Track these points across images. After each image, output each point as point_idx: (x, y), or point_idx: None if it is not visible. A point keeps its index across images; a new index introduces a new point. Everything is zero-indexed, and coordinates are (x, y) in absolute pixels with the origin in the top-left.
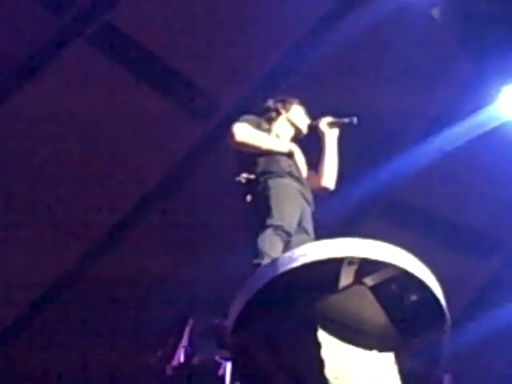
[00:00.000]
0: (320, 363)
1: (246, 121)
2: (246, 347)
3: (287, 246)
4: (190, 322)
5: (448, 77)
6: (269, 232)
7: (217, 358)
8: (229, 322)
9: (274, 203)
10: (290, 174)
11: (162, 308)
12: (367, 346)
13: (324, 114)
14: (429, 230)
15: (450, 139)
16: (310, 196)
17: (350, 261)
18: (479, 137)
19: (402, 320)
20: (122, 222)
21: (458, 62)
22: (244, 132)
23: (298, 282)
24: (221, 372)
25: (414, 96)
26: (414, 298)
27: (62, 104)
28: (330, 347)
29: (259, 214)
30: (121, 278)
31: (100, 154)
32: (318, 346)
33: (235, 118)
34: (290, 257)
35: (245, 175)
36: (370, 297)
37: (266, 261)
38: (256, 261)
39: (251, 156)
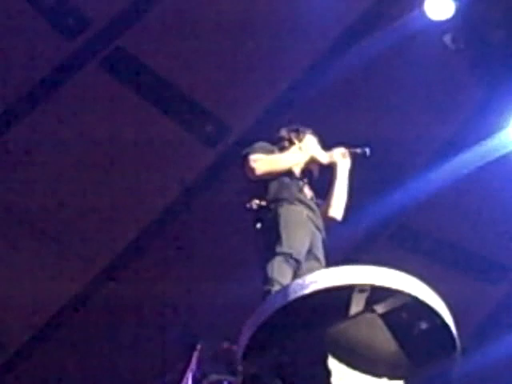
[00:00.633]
0: None
1: (260, 149)
2: (256, 374)
3: (297, 274)
4: (199, 346)
5: (459, 103)
6: (278, 259)
7: (225, 383)
8: (239, 348)
9: (283, 230)
10: (300, 201)
11: (171, 332)
12: (377, 373)
13: (334, 142)
14: (438, 256)
15: (461, 165)
16: (320, 223)
17: (361, 288)
18: (489, 163)
19: (412, 348)
20: (131, 247)
21: (468, 88)
22: (262, 163)
23: (309, 309)
24: None
25: (424, 122)
26: (424, 325)
27: (74, 128)
28: (340, 375)
29: (269, 241)
30: (129, 303)
31: (110, 179)
32: (328, 373)
33: (246, 143)
34: (300, 284)
35: (256, 201)
36: (381, 324)
37: (275, 288)
38: (266, 288)
39: (262, 182)
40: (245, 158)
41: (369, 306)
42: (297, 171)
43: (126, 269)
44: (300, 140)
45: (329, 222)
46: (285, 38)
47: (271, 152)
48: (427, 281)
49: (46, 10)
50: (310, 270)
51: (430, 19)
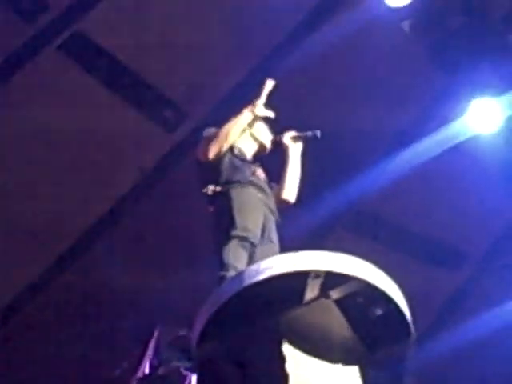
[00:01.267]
0: (285, 377)
1: (210, 134)
2: (211, 359)
3: (252, 257)
4: (156, 332)
5: (418, 90)
6: (233, 243)
7: (182, 369)
8: (194, 334)
9: (237, 213)
10: (253, 183)
11: (128, 318)
12: (332, 359)
13: (290, 128)
14: (396, 243)
15: (420, 152)
16: (273, 205)
17: (316, 274)
18: (449, 150)
19: (367, 333)
20: (88, 235)
21: (427, 75)
22: (212, 143)
23: (264, 295)
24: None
25: (383, 109)
26: (379, 311)
27: (31, 112)
28: (295, 360)
29: (222, 224)
30: (86, 288)
31: (68, 163)
32: (282, 359)
33: (203, 129)
34: (255, 269)
35: (211, 187)
36: (336, 310)
37: (231, 273)
38: (221, 273)
39: (214, 166)
40: (198, 145)
41: (324, 291)
42: (249, 155)
43: (83, 256)
44: (250, 126)
45: (283, 205)
46: (243, 24)
47: None
48: (385, 268)
49: None
50: (265, 254)
51: (388, 6)
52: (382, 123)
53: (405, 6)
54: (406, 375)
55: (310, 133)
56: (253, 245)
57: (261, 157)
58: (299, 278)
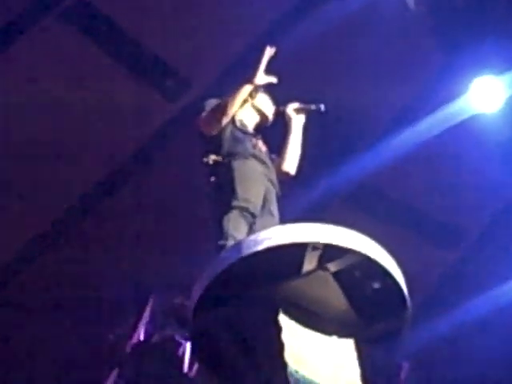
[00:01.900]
0: (280, 347)
1: (211, 107)
2: (207, 328)
3: (252, 228)
4: (151, 300)
5: (419, 68)
6: (234, 213)
7: (177, 337)
8: (191, 303)
9: (238, 184)
10: (254, 156)
11: (124, 286)
12: (328, 331)
13: (291, 102)
14: (395, 218)
15: (421, 130)
16: (274, 178)
17: (314, 246)
18: (450, 129)
19: (363, 307)
20: (85, 201)
21: (429, 53)
22: (211, 116)
23: (262, 266)
24: (180, 351)
25: (384, 86)
26: (376, 285)
27: (31, 80)
28: (291, 331)
29: (223, 195)
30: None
31: (66, 131)
32: (278, 329)
33: (207, 98)
34: (254, 240)
35: (212, 157)
36: (333, 283)
37: (230, 242)
38: (220, 242)
39: (216, 138)
40: (199, 117)
41: (321, 264)
42: (251, 127)
43: (82, 219)
44: (253, 97)
45: (283, 177)
46: None
47: None
48: (382, 242)
49: None
50: (265, 226)
51: None
52: (383, 101)
53: None
54: (400, 350)
55: (313, 106)
56: (253, 216)
57: (263, 128)
58: (297, 250)
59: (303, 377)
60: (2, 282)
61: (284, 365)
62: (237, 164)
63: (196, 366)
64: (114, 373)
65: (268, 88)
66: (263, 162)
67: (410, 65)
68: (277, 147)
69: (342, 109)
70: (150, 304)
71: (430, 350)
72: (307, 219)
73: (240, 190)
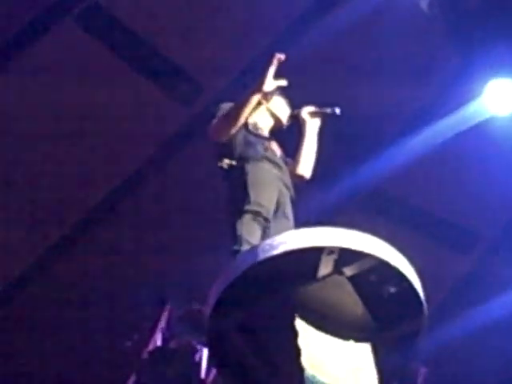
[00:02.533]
0: (297, 352)
1: (222, 113)
2: (223, 333)
3: (266, 232)
4: (168, 306)
5: (434, 70)
6: (247, 218)
7: (194, 343)
8: (207, 308)
9: (251, 188)
10: (267, 158)
11: (141, 292)
12: (344, 336)
13: (306, 105)
14: (410, 222)
15: (435, 133)
16: (288, 181)
17: (330, 250)
18: (465, 131)
19: (379, 311)
20: (102, 206)
21: (444, 55)
22: (221, 123)
23: (278, 270)
24: (197, 357)
25: (399, 89)
26: (392, 289)
27: (45, 84)
28: (307, 336)
29: (237, 199)
30: (101, 262)
31: (82, 136)
32: (295, 334)
33: (219, 103)
34: (270, 244)
35: (227, 161)
36: (349, 287)
37: (244, 247)
38: (235, 247)
39: (228, 143)
40: (209, 126)
41: (337, 268)
42: (265, 130)
43: (99, 226)
44: (267, 100)
45: (298, 181)
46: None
47: None
48: (397, 246)
49: None
50: (280, 229)
51: None
52: (398, 104)
53: None
54: (416, 354)
55: (328, 109)
56: (266, 220)
57: (277, 131)
58: (313, 254)
59: (320, 382)
60: (20, 284)
61: (301, 369)
62: (250, 167)
63: (213, 372)
64: (131, 379)
65: (283, 91)
66: (277, 165)
67: (424, 68)
68: (292, 150)
69: (357, 112)
70: (167, 310)
71: (445, 354)
72: (322, 223)
73: (253, 194)
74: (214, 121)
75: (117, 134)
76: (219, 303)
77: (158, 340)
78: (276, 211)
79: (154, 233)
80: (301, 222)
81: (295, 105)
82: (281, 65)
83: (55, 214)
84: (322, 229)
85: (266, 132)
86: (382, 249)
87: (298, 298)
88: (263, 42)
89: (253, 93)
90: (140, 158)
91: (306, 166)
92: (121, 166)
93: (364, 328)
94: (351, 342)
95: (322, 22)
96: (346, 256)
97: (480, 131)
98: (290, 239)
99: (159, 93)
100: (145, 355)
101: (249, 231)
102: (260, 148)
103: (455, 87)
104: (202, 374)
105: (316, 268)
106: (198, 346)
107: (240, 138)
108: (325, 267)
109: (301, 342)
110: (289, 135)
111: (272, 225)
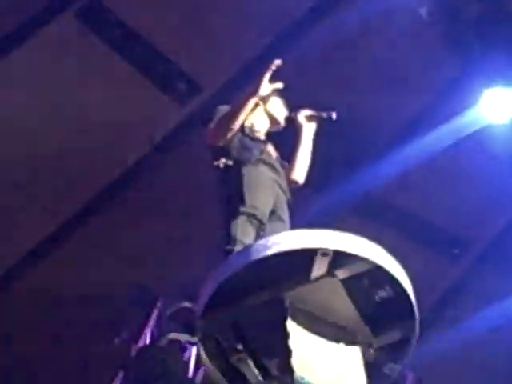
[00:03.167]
0: (287, 353)
1: (219, 117)
2: (214, 333)
3: (260, 234)
4: (159, 304)
5: (431, 78)
6: (241, 219)
7: (183, 341)
8: (198, 306)
9: (247, 191)
10: (263, 161)
11: (131, 289)
12: (335, 338)
13: (303, 108)
14: (403, 229)
15: (431, 141)
16: (284, 184)
17: (324, 252)
18: (460, 140)
19: (371, 314)
20: (98, 200)
21: (441, 63)
22: (217, 134)
23: (271, 270)
24: (186, 356)
25: (396, 96)
26: (384, 293)
27: (44, 79)
28: (298, 337)
29: (232, 200)
30: (90, 257)
31: (78, 133)
32: (286, 335)
33: (217, 103)
34: (264, 244)
35: (223, 160)
36: (341, 289)
37: (238, 247)
38: (228, 247)
39: (224, 147)
40: (205, 130)
41: (331, 270)
42: (261, 131)
43: (88, 226)
44: (265, 101)
45: (292, 186)
46: (258, 1)
47: None
48: (390, 252)
49: None
50: (274, 231)
51: None
52: (395, 111)
53: None
54: (406, 359)
55: (324, 113)
56: (261, 223)
57: (273, 135)
58: (307, 256)
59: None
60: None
61: (291, 370)
62: (246, 170)
63: (202, 371)
64: (119, 376)
65: (280, 92)
66: (273, 168)
67: (421, 75)
68: (288, 154)
69: (353, 118)
70: (157, 308)
71: (433, 361)
72: (317, 226)
73: (248, 196)
74: (211, 125)
75: (113, 130)
76: (211, 302)
77: (147, 338)
78: (272, 214)
79: (147, 232)
80: (296, 226)
81: (292, 108)
82: (277, 69)
83: (50, 206)
84: (316, 231)
85: (262, 135)
86: (376, 253)
87: (290, 299)
88: (261, 43)
89: (249, 96)
90: (136, 156)
91: (299, 171)
92: (117, 163)
93: (355, 331)
94: (342, 345)
95: (320, 26)
96: (339, 258)
97: (476, 139)
98: (284, 240)
99: (156, 91)
100: (133, 352)
101: (243, 232)
102: (256, 151)
103: (452, 95)
104: (191, 373)
105: (309, 269)
106: (187, 345)
107: (236, 141)
108: (318, 269)
109: (291, 343)
110: (284, 138)
111: (267, 227)
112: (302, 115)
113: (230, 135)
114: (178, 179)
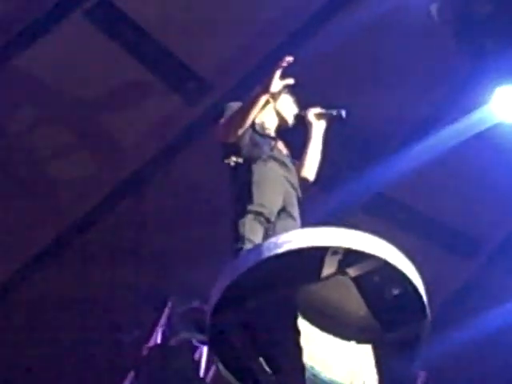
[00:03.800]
0: (299, 351)
1: (229, 114)
2: (224, 332)
3: (268, 233)
4: (169, 303)
5: (442, 77)
6: (249, 217)
7: (194, 341)
8: (208, 306)
9: (255, 188)
10: (273, 158)
11: (142, 288)
12: (346, 336)
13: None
14: (413, 227)
15: (442, 140)
16: (295, 181)
17: (335, 250)
18: (471, 138)
19: (382, 312)
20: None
21: (453, 61)
22: (228, 131)
23: (281, 269)
24: (197, 355)
25: (407, 95)
26: (395, 291)
27: (54, 77)
28: (309, 335)
29: (241, 198)
30: (103, 254)
31: (86, 133)
32: (297, 333)
33: (228, 102)
34: (274, 242)
35: (233, 158)
36: (352, 287)
37: (247, 246)
38: (237, 245)
39: (235, 144)
40: (216, 127)
41: (341, 268)
42: (271, 129)
43: (99, 225)
44: (275, 99)
45: (302, 183)
46: (270, 2)
47: None
48: (400, 251)
49: None
50: (285, 229)
51: None
52: (405, 109)
53: None
54: (417, 358)
55: (334, 111)
56: (268, 221)
57: (284, 132)
58: (317, 254)
59: (318, 372)
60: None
61: (302, 369)
62: (256, 167)
63: (212, 370)
64: (130, 376)
65: (291, 89)
66: (283, 164)
67: (432, 74)
68: (298, 152)
69: (364, 116)
70: (168, 307)
71: (445, 360)
72: (328, 225)
73: (256, 194)
74: (222, 121)
75: (122, 130)
76: (221, 301)
77: (158, 337)
78: (282, 211)
79: (156, 232)
80: (306, 224)
81: (302, 105)
82: (289, 66)
83: (54, 213)
84: (327, 229)
85: (272, 132)
86: (387, 250)
87: (300, 297)
88: (273, 42)
89: (260, 93)
90: (146, 156)
91: (310, 168)
92: (127, 164)
93: (366, 329)
94: (353, 343)
95: (332, 25)
96: (350, 256)
97: (487, 137)
98: (295, 238)
99: (167, 91)
100: (144, 352)
101: (251, 230)
102: (266, 148)
103: (463, 93)
104: (202, 373)
105: (320, 268)
106: (198, 344)
107: (247, 138)
108: (329, 267)
109: (303, 341)
110: (295, 136)
111: (278, 224)
112: (312, 113)
113: (240, 132)
114: (190, 179)
